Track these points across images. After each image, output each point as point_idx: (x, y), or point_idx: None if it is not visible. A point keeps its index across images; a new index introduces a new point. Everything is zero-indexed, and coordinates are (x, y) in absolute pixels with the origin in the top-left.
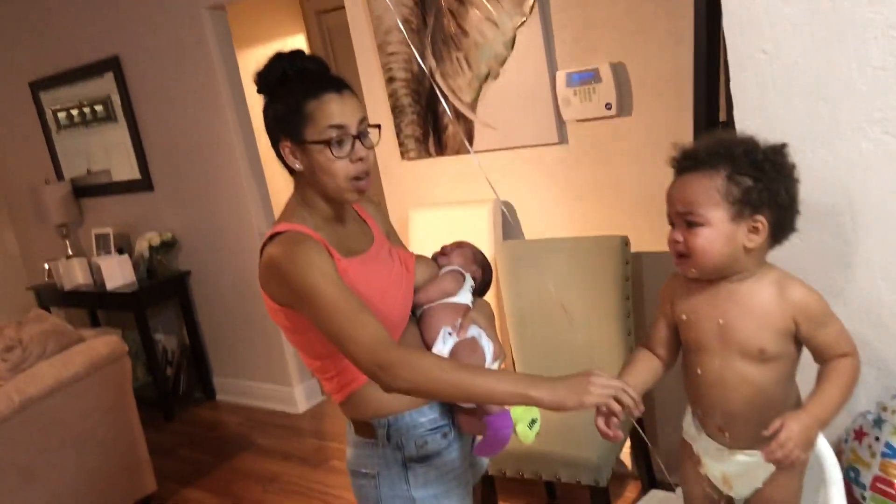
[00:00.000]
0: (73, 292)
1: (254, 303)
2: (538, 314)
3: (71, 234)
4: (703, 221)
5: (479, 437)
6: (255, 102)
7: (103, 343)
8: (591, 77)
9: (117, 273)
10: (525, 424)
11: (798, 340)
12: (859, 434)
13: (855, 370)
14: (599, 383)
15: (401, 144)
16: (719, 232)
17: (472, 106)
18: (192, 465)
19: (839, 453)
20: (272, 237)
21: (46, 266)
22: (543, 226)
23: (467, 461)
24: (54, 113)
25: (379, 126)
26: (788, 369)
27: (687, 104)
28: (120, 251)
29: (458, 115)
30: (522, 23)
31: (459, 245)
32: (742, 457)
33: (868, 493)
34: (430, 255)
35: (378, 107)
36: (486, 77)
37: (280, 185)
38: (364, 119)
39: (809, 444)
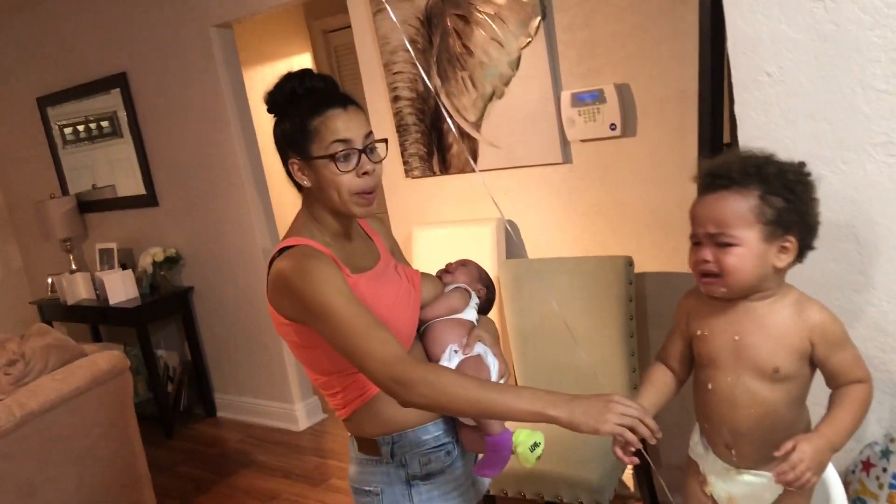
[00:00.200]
0: (76, 307)
1: (256, 320)
2: (541, 333)
3: (75, 248)
4: (737, 242)
5: (481, 456)
6: (261, 120)
7: (105, 358)
8: (596, 97)
9: (120, 288)
10: (527, 447)
11: (812, 363)
12: (867, 465)
13: (868, 397)
14: (618, 411)
15: (405, 163)
16: (752, 252)
17: (477, 125)
18: (192, 482)
19: (846, 484)
20: (281, 251)
21: (50, 280)
22: (547, 245)
23: (470, 479)
24: (61, 128)
25: (385, 140)
26: (800, 392)
27: (691, 125)
28: (123, 266)
29: (463, 134)
30: (528, 43)
31: (464, 263)
32: (749, 477)
33: None
34: (433, 273)
35: (383, 125)
36: (491, 96)
37: (285, 204)
38: (370, 134)
39: (821, 467)
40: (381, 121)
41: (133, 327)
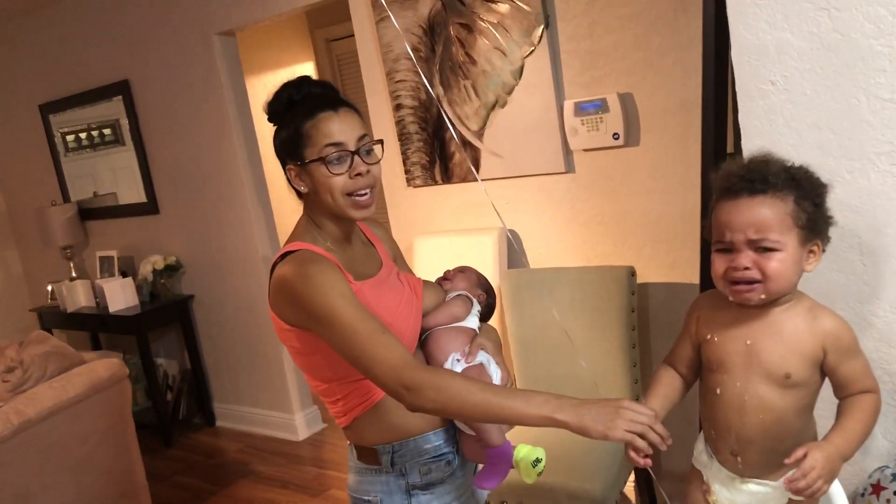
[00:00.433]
0: (76, 314)
1: (256, 329)
2: (543, 343)
3: (75, 256)
4: (779, 247)
5: (480, 467)
6: (263, 128)
7: (104, 366)
8: (599, 107)
9: (120, 296)
10: (529, 463)
11: (822, 371)
12: (877, 488)
13: (877, 407)
14: (627, 417)
15: (407, 172)
16: (792, 257)
17: (479, 134)
18: (190, 492)
19: None
20: (283, 256)
21: (50, 288)
22: (549, 255)
23: (470, 490)
24: (63, 135)
25: (381, 141)
26: (809, 400)
27: (694, 135)
28: (124, 274)
29: (465, 143)
30: (531, 52)
31: (462, 269)
32: (754, 486)
33: None
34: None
35: (385, 134)
36: (494, 105)
37: (286, 212)
38: (364, 136)
39: (832, 475)
40: (384, 129)
41: (132, 335)
